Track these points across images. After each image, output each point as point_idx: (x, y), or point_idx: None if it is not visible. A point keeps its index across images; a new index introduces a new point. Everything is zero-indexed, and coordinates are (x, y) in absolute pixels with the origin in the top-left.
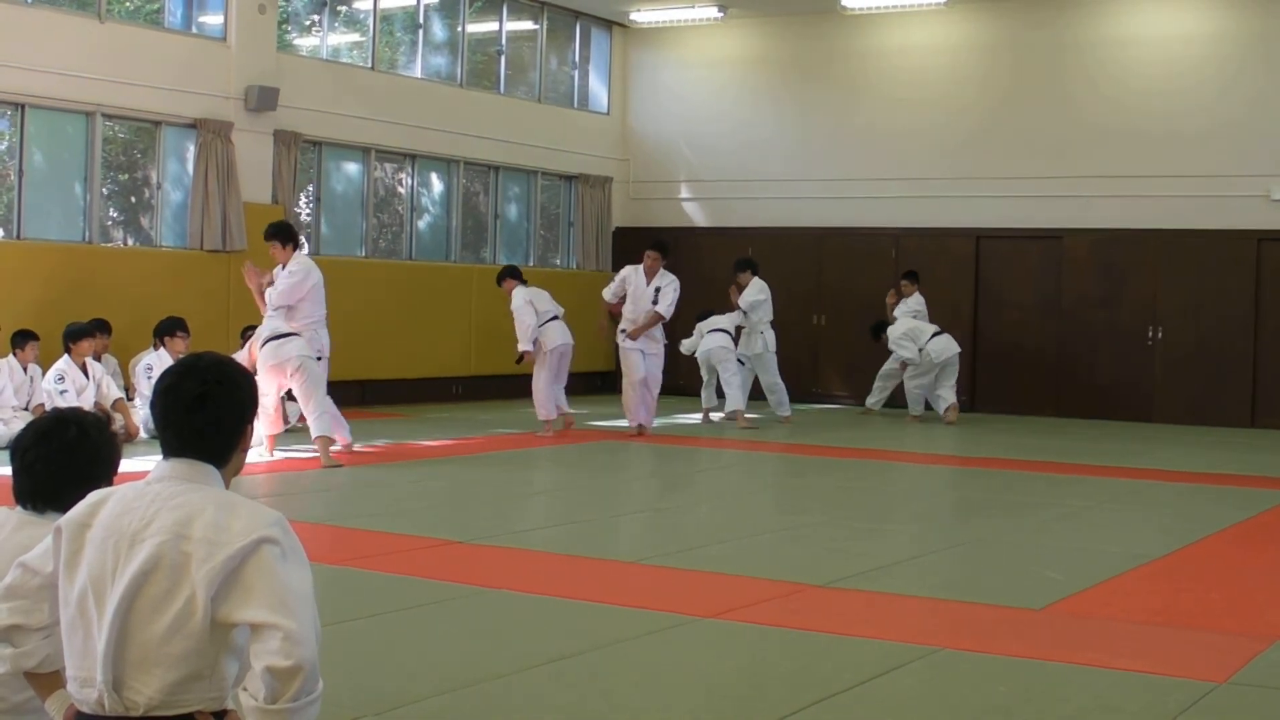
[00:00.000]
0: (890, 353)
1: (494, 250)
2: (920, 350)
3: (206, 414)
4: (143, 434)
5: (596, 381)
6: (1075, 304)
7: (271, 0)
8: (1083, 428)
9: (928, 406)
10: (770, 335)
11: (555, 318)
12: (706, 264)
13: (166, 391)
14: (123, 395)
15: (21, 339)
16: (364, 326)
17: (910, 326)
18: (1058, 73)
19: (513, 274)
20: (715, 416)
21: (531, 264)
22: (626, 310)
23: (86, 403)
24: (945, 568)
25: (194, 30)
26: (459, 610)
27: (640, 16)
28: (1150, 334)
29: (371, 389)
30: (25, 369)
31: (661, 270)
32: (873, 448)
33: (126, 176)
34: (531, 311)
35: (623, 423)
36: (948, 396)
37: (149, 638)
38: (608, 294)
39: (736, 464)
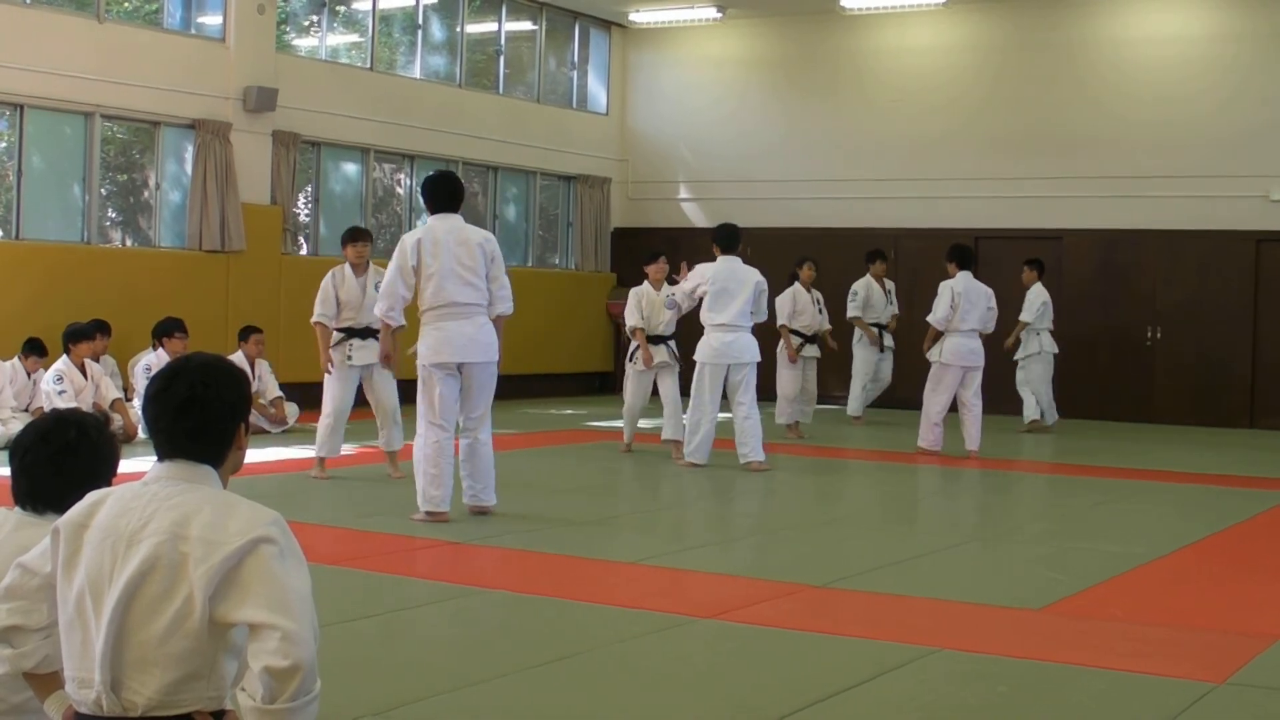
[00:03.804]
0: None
1: None
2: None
3: (195, 417)
4: (141, 434)
5: (595, 382)
6: (1075, 304)
7: (270, 1)
8: (1082, 428)
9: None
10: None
11: None
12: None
13: (155, 396)
14: (121, 395)
15: (32, 350)
16: None
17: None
18: (1057, 73)
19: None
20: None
21: (530, 265)
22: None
23: (85, 403)
24: (945, 568)
25: (193, 31)
26: (459, 610)
27: (639, 17)
28: (1150, 334)
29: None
30: (29, 374)
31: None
32: (871, 448)
33: (125, 177)
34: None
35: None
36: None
37: (147, 638)
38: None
39: (732, 465)
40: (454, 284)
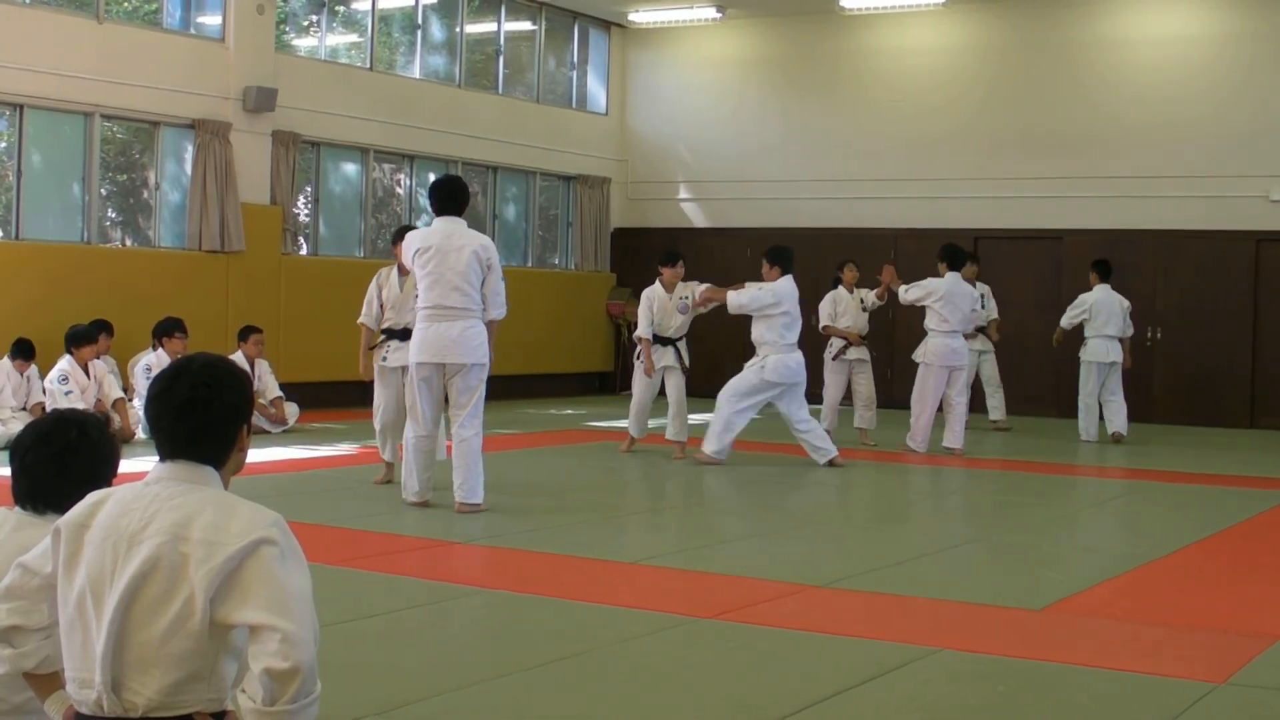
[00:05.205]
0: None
1: None
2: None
3: (197, 418)
4: (140, 434)
5: (595, 382)
6: None
7: (270, 1)
8: None
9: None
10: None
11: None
12: (705, 265)
13: (158, 396)
14: (123, 395)
15: (19, 352)
16: None
17: None
18: (1057, 73)
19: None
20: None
21: (530, 265)
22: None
23: (88, 402)
24: (945, 568)
25: (192, 31)
26: (459, 610)
27: (638, 17)
28: (1149, 334)
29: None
30: (21, 374)
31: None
32: (871, 449)
33: (125, 177)
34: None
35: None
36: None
37: (148, 639)
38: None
39: (734, 465)
40: (440, 288)
